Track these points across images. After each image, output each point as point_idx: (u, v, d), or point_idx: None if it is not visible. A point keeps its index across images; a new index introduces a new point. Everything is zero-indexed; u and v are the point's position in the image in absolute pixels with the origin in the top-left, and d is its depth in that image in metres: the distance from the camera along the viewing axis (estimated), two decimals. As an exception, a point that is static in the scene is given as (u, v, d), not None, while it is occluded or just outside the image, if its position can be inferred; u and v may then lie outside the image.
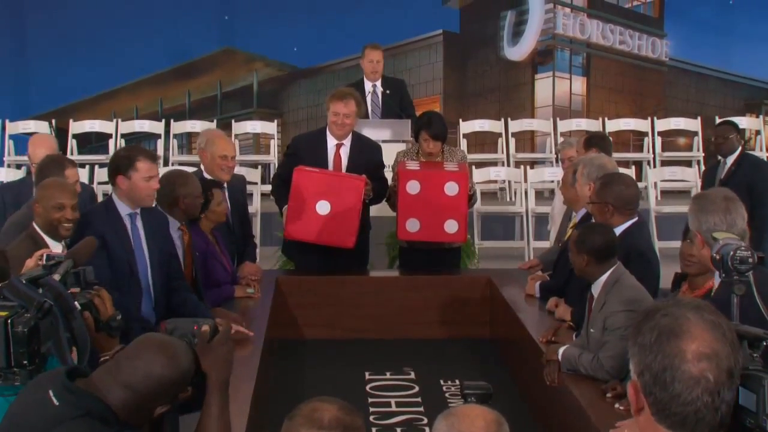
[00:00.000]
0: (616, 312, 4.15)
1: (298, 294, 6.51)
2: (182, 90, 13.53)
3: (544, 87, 13.61)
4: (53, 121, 10.80)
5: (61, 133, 10.36)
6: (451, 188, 6.21)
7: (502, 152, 10.85)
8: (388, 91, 8.15)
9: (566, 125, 11.43)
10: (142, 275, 4.70)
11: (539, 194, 10.01)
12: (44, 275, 2.75)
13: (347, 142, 6.50)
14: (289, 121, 13.56)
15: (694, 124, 11.23)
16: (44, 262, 3.10)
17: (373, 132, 7.23)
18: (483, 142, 11.86)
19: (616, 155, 6.85)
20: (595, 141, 6.39)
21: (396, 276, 6.75)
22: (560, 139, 10.75)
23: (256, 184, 9.39)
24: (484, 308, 6.48)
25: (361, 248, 6.63)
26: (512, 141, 10.92)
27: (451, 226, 6.28)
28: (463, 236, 6.43)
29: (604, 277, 4.32)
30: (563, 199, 5.79)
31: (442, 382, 5.55)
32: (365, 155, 6.52)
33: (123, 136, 10.85)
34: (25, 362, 2.48)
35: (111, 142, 10.79)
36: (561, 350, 4.36)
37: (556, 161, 9.77)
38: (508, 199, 10.52)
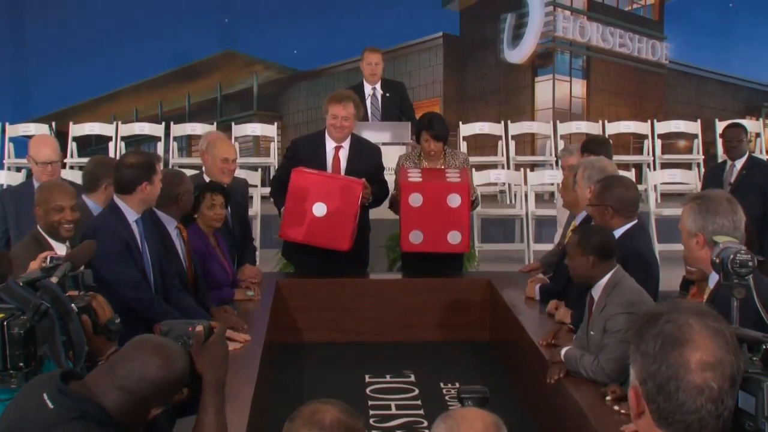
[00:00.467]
0: (616, 314, 4.14)
1: (298, 297, 6.50)
2: (182, 93, 13.54)
3: (544, 90, 13.62)
4: (53, 123, 10.80)
5: (61, 136, 10.32)
6: (454, 200, 6.23)
7: (502, 155, 10.85)
8: (387, 94, 8.15)
9: (566, 128, 11.43)
10: (148, 279, 4.74)
11: (539, 197, 10.01)
12: (42, 278, 2.74)
13: (346, 144, 6.50)
14: (289, 124, 13.56)
15: (694, 127, 11.22)
16: (48, 264, 3.10)
17: (373, 135, 7.24)
18: (483, 144, 11.87)
19: (615, 158, 6.84)
20: (591, 147, 6.36)
21: (396, 279, 6.75)
22: (560, 142, 10.79)
23: (255, 186, 9.39)
24: (484, 311, 6.47)
25: (360, 251, 6.63)
26: (512, 144, 10.91)
27: (454, 237, 6.30)
28: (466, 247, 6.44)
29: (604, 280, 4.32)
30: (563, 202, 5.79)
31: (442, 384, 5.54)
32: (364, 158, 6.52)
33: (123, 138, 10.85)
34: (21, 364, 2.48)
35: (111, 144, 10.78)
36: (563, 351, 4.36)
37: (556, 164, 9.77)
38: (508, 202, 10.52)
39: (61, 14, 12.84)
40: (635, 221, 4.85)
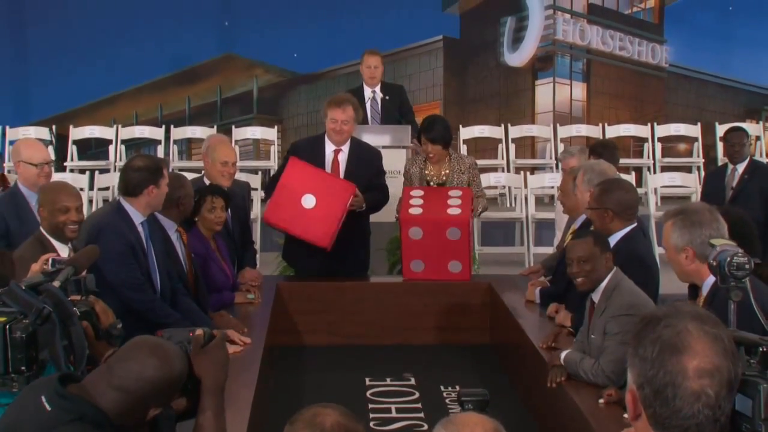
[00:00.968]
0: (616, 317, 4.15)
1: (298, 300, 6.51)
2: (182, 96, 13.54)
3: (544, 93, 13.62)
4: (53, 127, 10.79)
5: (61, 139, 10.36)
6: (453, 233, 6.27)
7: (503, 158, 10.86)
8: (387, 97, 8.15)
9: (566, 131, 11.45)
10: (153, 282, 4.75)
11: (539, 200, 10.03)
12: (44, 282, 2.75)
13: (345, 148, 6.51)
14: (289, 127, 13.56)
15: (693, 130, 11.24)
16: (50, 266, 3.11)
17: (373, 138, 7.24)
18: (483, 147, 11.88)
19: (615, 161, 6.85)
20: (598, 150, 6.41)
21: (396, 282, 6.75)
22: (560, 145, 10.80)
23: (256, 189, 9.39)
24: (484, 314, 6.48)
25: (361, 254, 6.64)
26: (512, 147, 10.93)
27: (454, 267, 6.38)
28: (467, 275, 6.46)
29: (604, 283, 4.32)
30: (563, 208, 5.79)
31: (442, 388, 5.54)
32: (364, 162, 6.53)
33: (123, 142, 10.86)
34: (23, 368, 2.48)
35: (111, 148, 10.80)
36: (563, 354, 4.36)
37: (557, 167, 9.78)
38: (508, 205, 10.53)
39: (61, 17, 12.85)
40: (635, 224, 4.86)
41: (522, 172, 10.18)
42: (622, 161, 10.74)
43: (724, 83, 13.84)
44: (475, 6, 13.79)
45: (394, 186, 6.79)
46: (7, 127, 10.86)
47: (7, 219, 5.45)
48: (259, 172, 10.25)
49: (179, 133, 11.14)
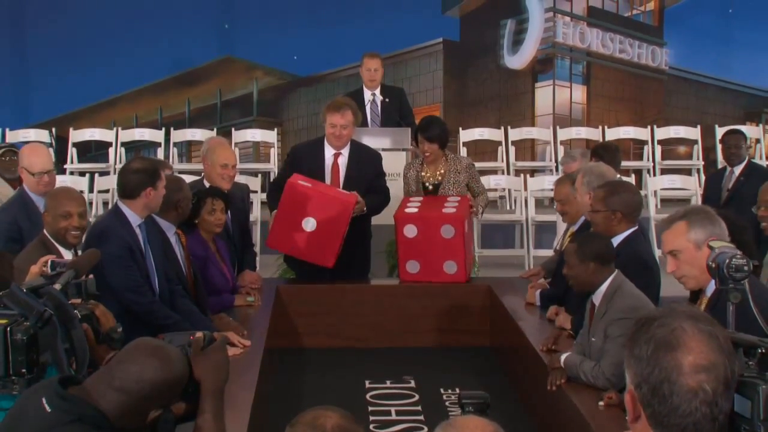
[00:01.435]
0: (617, 320, 4.14)
1: (298, 302, 6.51)
2: (182, 98, 13.53)
3: (544, 95, 13.62)
4: (53, 129, 10.79)
5: (61, 142, 10.36)
6: (447, 231, 6.27)
7: (502, 160, 10.86)
8: (387, 100, 8.15)
9: (566, 134, 11.45)
10: (152, 284, 4.76)
11: (539, 202, 10.02)
12: (45, 284, 2.75)
13: (345, 151, 6.51)
14: (289, 130, 13.55)
15: (693, 133, 11.24)
16: (48, 268, 3.11)
17: (373, 140, 7.24)
18: (483, 150, 11.86)
19: (616, 163, 6.86)
20: (600, 152, 6.42)
21: (396, 284, 6.76)
22: (560, 148, 10.80)
23: (255, 192, 9.40)
24: (484, 317, 6.48)
25: (361, 258, 6.65)
26: (512, 149, 10.92)
27: (449, 267, 6.39)
28: (462, 277, 6.46)
29: (604, 286, 4.32)
30: (562, 217, 5.79)
31: (442, 390, 5.55)
32: (364, 164, 6.53)
33: (123, 144, 10.85)
34: (24, 371, 2.49)
35: (111, 150, 10.79)
36: (563, 357, 4.36)
37: (556, 170, 9.78)
38: (508, 208, 10.52)
39: (62, 20, 12.84)
40: (635, 227, 4.86)
41: (522, 175, 10.18)
42: (623, 164, 10.78)
43: (724, 86, 13.83)
44: (475, 8, 13.78)
45: (394, 189, 6.80)
46: (7, 130, 10.84)
47: (20, 222, 5.46)
48: (259, 175, 10.24)
49: (179, 135, 11.13)
